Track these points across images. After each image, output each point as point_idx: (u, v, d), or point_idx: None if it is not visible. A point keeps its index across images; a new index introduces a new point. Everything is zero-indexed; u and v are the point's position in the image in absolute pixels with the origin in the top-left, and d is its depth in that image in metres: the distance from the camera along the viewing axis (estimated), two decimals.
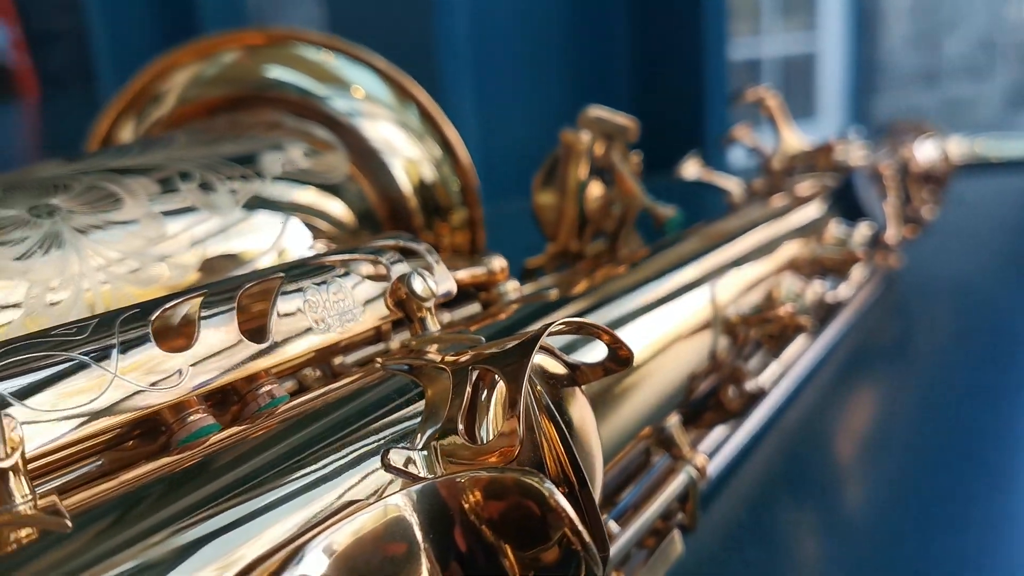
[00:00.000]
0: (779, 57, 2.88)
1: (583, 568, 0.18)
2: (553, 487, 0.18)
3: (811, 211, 0.47)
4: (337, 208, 0.38)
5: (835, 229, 0.47)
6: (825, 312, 0.44)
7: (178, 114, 0.43)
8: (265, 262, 0.31)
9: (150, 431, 0.22)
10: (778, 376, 0.39)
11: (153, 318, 0.21)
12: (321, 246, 0.34)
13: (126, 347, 0.20)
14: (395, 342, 0.29)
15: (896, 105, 2.61)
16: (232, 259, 0.31)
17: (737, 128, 0.51)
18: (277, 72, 0.44)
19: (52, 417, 0.19)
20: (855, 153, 0.53)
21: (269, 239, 0.32)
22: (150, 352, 0.20)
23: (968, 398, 0.46)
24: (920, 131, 0.63)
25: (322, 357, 0.26)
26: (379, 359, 0.25)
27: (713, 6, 0.99)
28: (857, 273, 0.48)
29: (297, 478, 0.19)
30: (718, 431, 0.37)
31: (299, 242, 0.33)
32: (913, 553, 0.34)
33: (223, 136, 0.36)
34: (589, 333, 0.24)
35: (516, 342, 0.21)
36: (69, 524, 0.16)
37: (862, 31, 2.79)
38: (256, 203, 0.33)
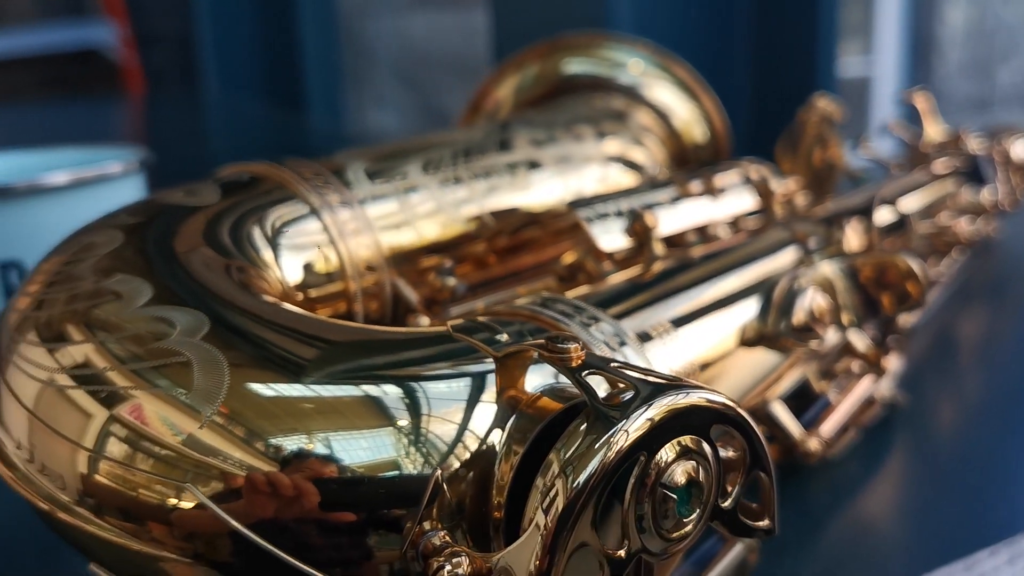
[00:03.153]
0: (835, 79, 3.06)
1: (920, 301, 0.37)
2: (911, 256, 0.37)
3: (949, 181, 0.66)
4: (654, 153, 0.58)
5: (966, 192, 0.66)
6: (966, 244, 0.63)
7: (515, 111, 0.63)
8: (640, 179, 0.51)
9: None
10: (942, 278, 0.58)
11: (681, 185, 0.41)
12: (653, 175, 0.54)
13: (671, 201, 0.40)
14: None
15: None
16: (629, 174, 0.51)
17: (893, 123, 0.70)
18: (572, 66, 0.64)
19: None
20: (972, 143, 0.72)
21: (636, 168, 0.52)
22: (677, 206, 0.40)
23: None
24: (1015, 132, 0.82)
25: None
26: (765, 225, 0.44)
27: (825, 30, 1.19)
28: (982, 222, 0.67)
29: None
30: None
31: (651, 169, 0.53)
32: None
33: (596, 108, 0.56)
34: (883, 203, 0.43)
35: (858, 201, 0.40)
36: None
37: (917, 58, 2.97)
38: (630, 143, 0.53)
